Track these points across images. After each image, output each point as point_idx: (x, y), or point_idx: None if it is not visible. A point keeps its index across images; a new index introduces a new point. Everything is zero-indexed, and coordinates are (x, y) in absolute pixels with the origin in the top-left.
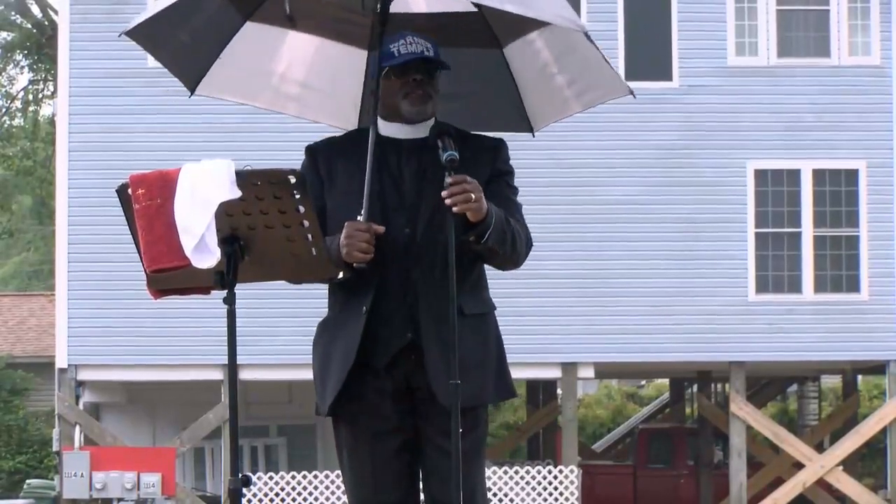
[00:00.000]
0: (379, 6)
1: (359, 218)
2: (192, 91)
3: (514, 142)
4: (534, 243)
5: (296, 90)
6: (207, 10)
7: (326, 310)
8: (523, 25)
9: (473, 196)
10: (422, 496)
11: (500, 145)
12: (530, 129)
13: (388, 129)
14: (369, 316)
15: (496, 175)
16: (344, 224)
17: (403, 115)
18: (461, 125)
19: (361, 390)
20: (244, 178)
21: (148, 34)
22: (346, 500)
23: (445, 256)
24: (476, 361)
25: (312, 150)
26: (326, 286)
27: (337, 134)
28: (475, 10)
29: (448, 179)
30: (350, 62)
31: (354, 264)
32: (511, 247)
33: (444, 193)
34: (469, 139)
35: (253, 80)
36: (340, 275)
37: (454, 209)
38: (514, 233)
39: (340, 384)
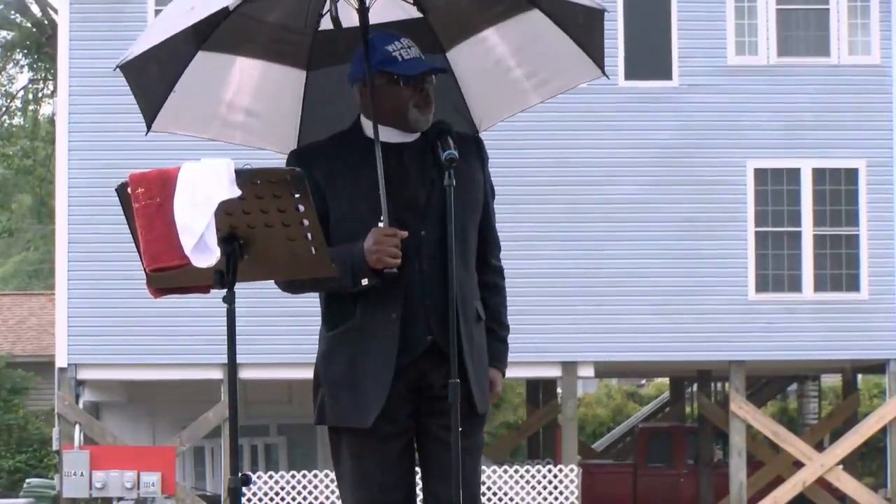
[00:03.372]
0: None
1: (380, 224)
2: (149, 128)
3: (514, 141)
4: (534, 242)
5: (241, 118)
6: (174, 42)
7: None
8: (474, 24)
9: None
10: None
11: (481, 143)
12: (475, 131)
13: (381, 132)
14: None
15: (487, 187)
16: (356, 231)
17: (410, 122)
18: None
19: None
20: (244, 177)
21: (133, 67)
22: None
23: (461, 256)
24: (485, 367)
25: (303, 156)
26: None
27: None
28: (419, 16)
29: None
30: (290, 83)
31: (385, 270)
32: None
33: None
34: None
35: (203, 112)
36: (365, 282)
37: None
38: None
39: (387, 393)
